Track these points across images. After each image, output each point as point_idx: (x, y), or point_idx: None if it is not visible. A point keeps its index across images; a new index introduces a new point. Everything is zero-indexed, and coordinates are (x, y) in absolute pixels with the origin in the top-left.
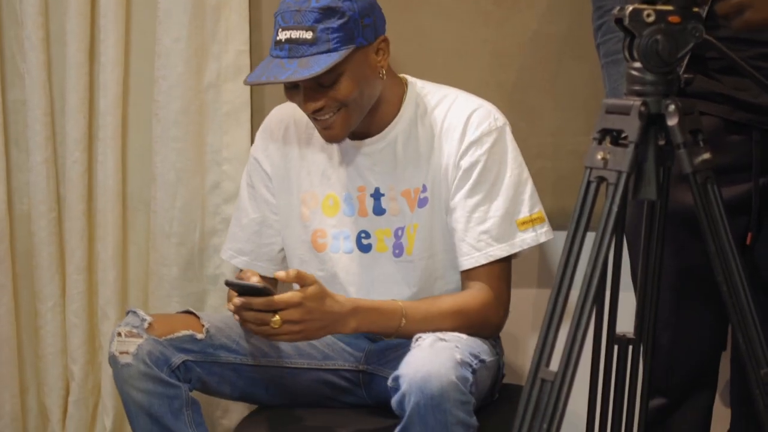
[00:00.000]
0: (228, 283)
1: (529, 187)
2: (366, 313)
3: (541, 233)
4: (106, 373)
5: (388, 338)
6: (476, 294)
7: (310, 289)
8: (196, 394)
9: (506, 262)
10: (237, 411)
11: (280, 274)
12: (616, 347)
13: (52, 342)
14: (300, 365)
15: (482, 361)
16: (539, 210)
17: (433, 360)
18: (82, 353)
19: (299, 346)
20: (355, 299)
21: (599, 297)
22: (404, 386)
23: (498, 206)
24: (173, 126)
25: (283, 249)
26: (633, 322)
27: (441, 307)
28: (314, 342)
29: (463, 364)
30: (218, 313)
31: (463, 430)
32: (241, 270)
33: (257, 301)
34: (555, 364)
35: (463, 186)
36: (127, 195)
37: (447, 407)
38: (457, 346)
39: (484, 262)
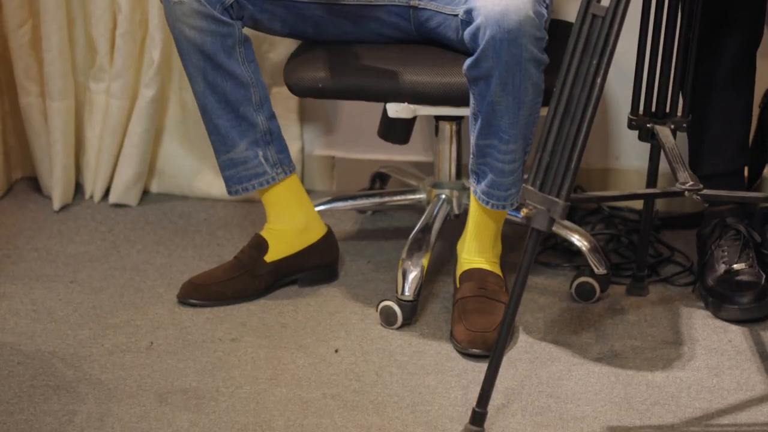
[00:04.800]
0: None
1: None
2: None
3: None
4: (154, 5)
5: None
6: None
7: None
8: (246, 31)
9: None
10: (284, 44)
11: None
12: None
13: None
14: (350, 1)
15: None
16: None
17: None
18: None
19: None
20: None
21: None
22: (479, 19)
23: None
24: None
25: None
26: None
27: None
28: None
29: (538, 0)
30: None
31: (535, 66)
32: None
33: None
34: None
35: None
36: None
37: (523, 42)
38: None
39: None
